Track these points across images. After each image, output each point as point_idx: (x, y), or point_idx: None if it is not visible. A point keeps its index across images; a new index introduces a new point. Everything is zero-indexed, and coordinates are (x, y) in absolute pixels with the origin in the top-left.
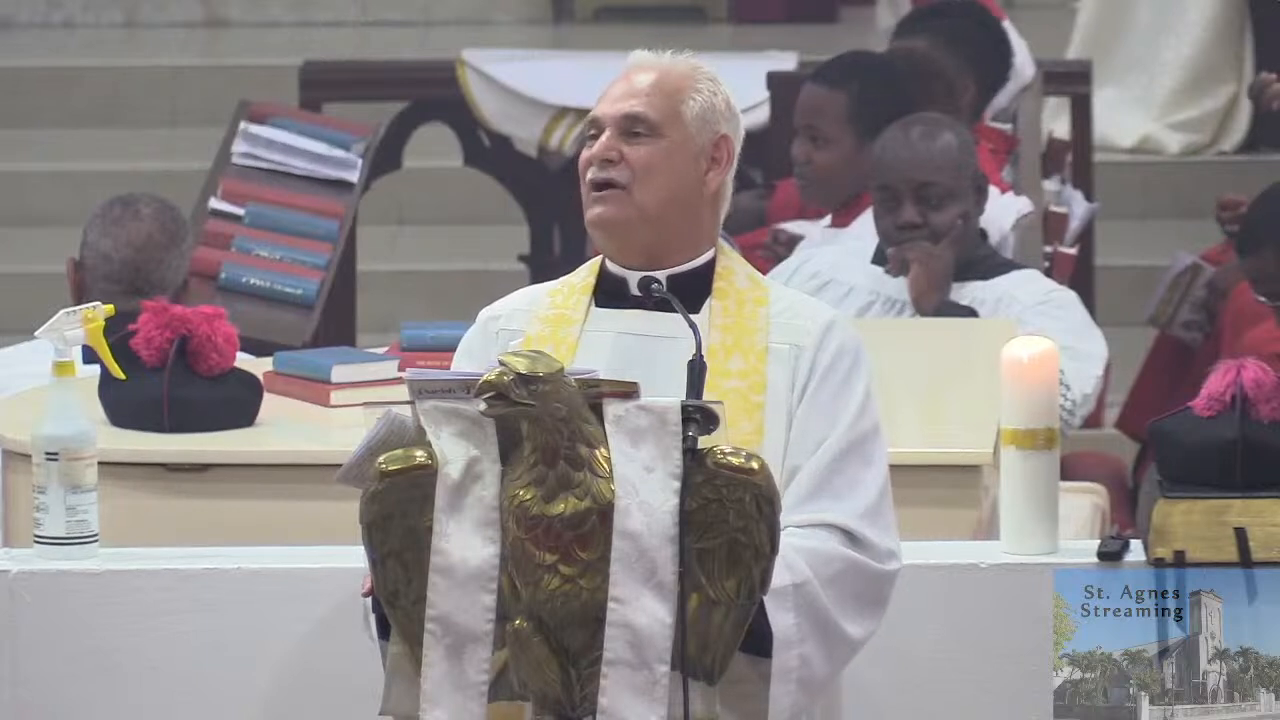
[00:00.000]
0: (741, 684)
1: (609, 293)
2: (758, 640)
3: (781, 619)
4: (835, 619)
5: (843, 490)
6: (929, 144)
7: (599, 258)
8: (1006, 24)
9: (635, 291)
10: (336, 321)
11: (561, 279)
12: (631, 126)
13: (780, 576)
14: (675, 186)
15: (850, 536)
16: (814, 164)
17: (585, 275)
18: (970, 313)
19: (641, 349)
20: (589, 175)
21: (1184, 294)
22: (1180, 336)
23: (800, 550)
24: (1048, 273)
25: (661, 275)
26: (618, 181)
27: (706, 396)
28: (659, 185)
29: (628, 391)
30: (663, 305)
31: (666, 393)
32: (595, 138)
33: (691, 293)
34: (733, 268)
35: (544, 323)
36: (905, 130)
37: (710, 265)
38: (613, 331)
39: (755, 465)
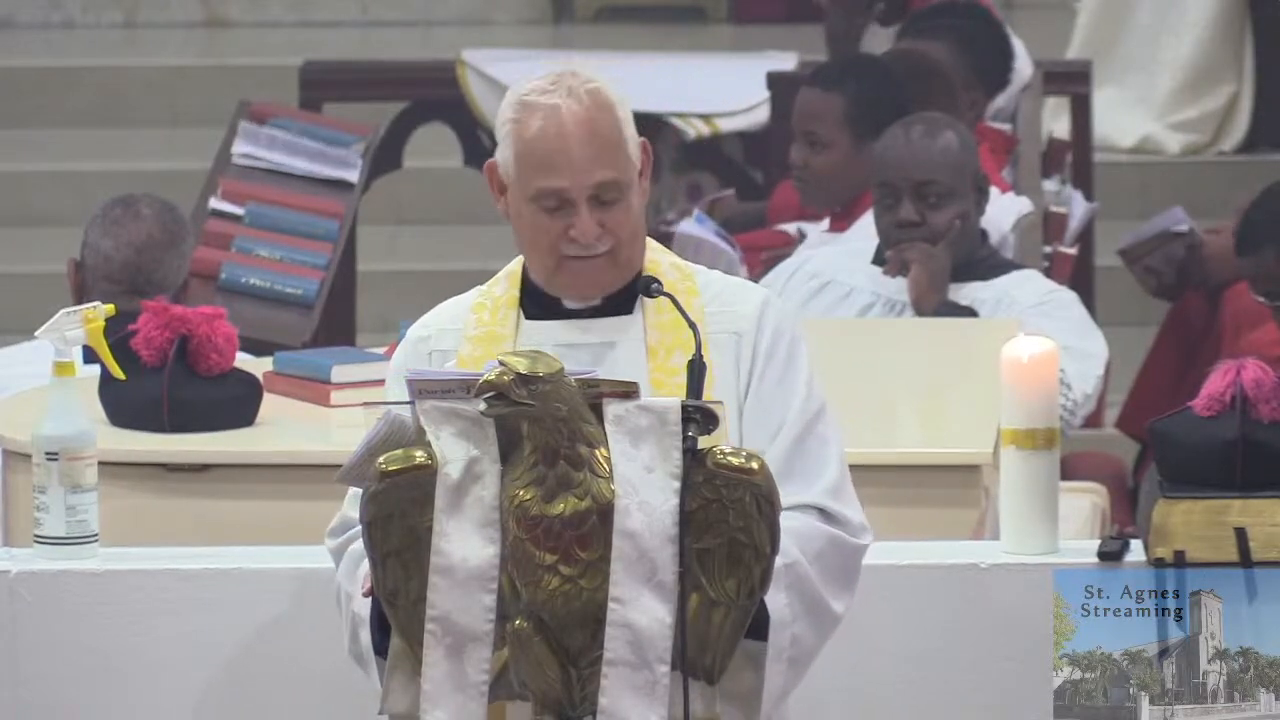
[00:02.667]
0: (733, 666)
1: (536, 304)
2: (751, 623)
3: (774, 600)
4: (823, 596)
5: (809, 472)
6: (930, 142)
7: (518, 268)
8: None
9: (569, 304)
10: (337, 321)
11: (479, 290)
12: (604, 195)
13: None
14: (642, 224)
15: (825, 514)
16: (812, 168)
17: (507, 288)
18: (970, 313)
19: (582, 358)
20: (569, 251)
21: (1165, 247)
22: (1137, 278)
23: (785, 531)
24: (1048, 273)
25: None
26: (605, 251)
27: (653, 395)
28: (636, 235)
29: (628, 391)
30: (596, 312)
31: None
32: (555, 210)
33: (623, 293)
34: (658, 260)
35: (474, 342)
36: (907, 128)
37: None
38: (549, 344)
39: (755, 465)
